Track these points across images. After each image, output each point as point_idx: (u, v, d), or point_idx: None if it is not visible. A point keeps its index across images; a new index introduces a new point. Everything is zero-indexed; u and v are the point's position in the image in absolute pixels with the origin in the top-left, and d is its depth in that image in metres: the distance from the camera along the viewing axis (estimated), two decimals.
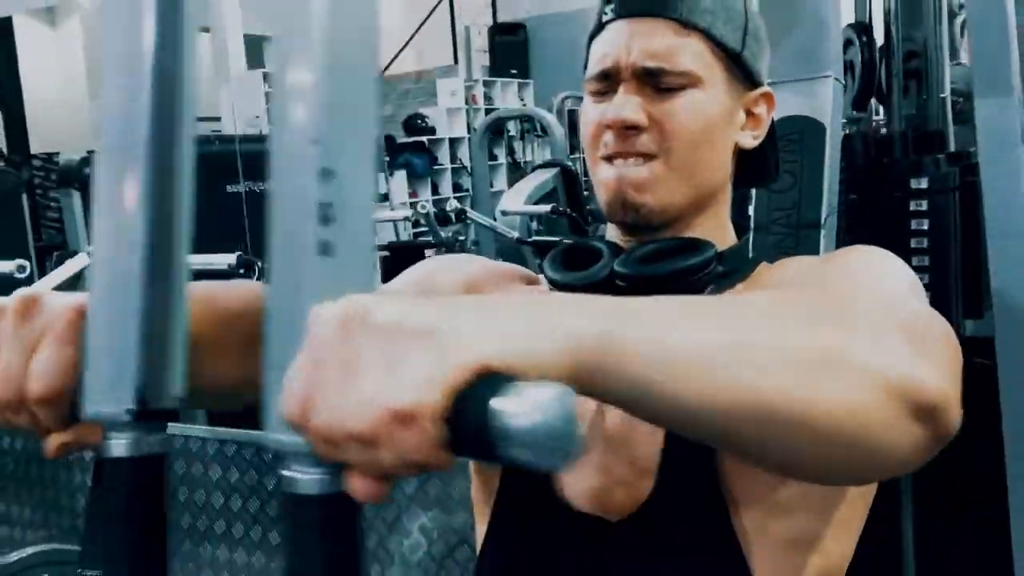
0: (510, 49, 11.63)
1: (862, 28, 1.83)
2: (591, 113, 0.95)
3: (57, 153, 10.72)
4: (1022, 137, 1.55)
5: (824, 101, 1.36)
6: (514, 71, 11.65)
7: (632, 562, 0.88)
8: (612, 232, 0.99)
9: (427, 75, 11.51)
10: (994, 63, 1.51)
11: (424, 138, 10.45)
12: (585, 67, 0.96)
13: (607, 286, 0.92)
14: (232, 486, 2.65)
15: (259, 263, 1.89)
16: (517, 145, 10.69)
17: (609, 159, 0.93)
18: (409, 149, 10.22)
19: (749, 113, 0.97)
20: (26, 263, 2.26)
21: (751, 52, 0.95)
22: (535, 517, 0.93)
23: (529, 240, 3.92)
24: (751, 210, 1.37)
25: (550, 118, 6.59)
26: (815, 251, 1.32)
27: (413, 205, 9.21)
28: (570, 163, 5.63)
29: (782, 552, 0.87)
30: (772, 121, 0.99)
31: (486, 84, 11.17)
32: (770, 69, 1.55)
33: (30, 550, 2.37)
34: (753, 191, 1.38)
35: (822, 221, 1.30)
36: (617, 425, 0.91)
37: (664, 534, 0.87)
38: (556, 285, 0.96)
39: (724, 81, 0.94)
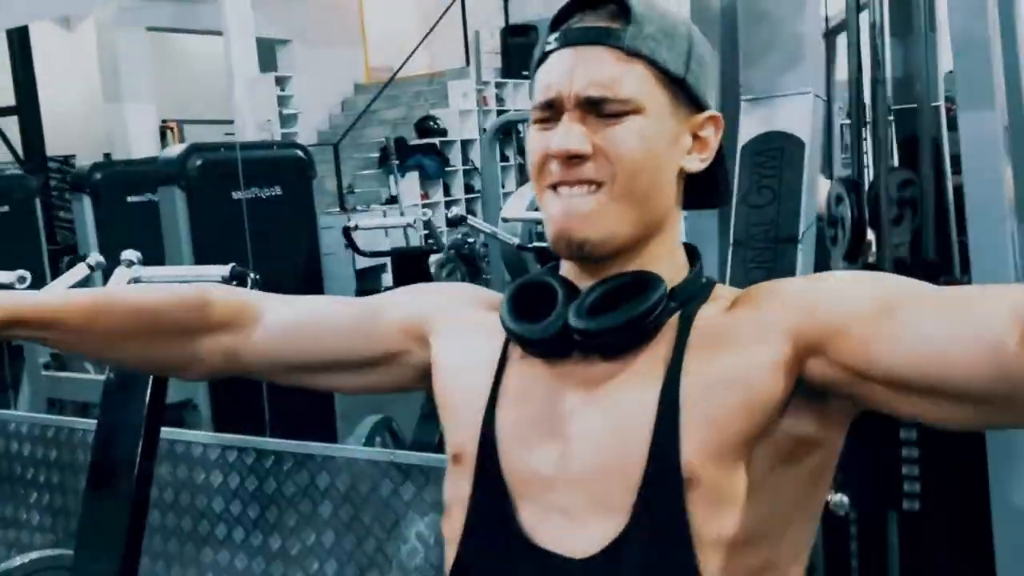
0: (522, 51, 11.63)
1: (852, 184, 1.81)
2: (536, 142, 0.95)
3: (73, 156, 10.84)
4: (1005, 148, 1.55)
5: (803, 117, 1.36)
6: (525, 72, 11.59)
7: None
8: (565, 265, 1.00)
9: (439, 77, 11.54)
10: (977, 75, 1.51)
11: (436, 140, 10.48)
12: (532, 95, 0.97)
13: (564, 338, 0.93)
14: (233, 492, 2.68)
15: (253, 274, 1.91)
16: None
17: (554, 187, 0.94)
18: (421, 151, 10.26)
19: (696, 137, 0.97)
20: (27, 274, 2.29)
21: (695, 77, 0.96)
22: (499, 553, 0.95)
23: (530, 246, 3.91)
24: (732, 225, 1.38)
25: None
26: (792, 265, 1.32)
27: (426, 207, 9.24)
28: None
29: None
30: (721, 143, 0.99)
31: (498, 86, 11.19)
32: (750, 85, 1.56)
33: (34, 555, 2.40)
34: (733, 207, 1.39)
35: (800, 236, 1.31)
36: (588, 465, 0.92)
37: (630, 574, 0.89)
38: (513, 336, 0.97)
39: (668, 106, 0.94)
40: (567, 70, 0.92)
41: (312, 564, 2.55)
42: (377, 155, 10.39)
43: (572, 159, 0.92)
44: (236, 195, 3.53)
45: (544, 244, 4.33)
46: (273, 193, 3.80)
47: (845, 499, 1.61)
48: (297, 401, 3.66)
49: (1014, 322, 0.77)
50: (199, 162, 3.61)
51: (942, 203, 2.01)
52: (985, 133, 1.52)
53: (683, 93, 0.95)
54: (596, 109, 0.91)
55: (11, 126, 9.42)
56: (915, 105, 1.98)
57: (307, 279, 3.98)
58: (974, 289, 0.88)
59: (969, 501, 1.61)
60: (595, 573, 0.89)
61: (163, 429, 2.96)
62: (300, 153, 4.21)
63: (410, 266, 4.12)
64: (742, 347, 0.91)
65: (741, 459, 0.89)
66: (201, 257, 3.47)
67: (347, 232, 4.22)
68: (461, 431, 0.99)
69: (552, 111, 0.94)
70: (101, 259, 2.12)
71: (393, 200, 8.85)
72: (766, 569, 0.91)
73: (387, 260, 5.96)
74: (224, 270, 1.81)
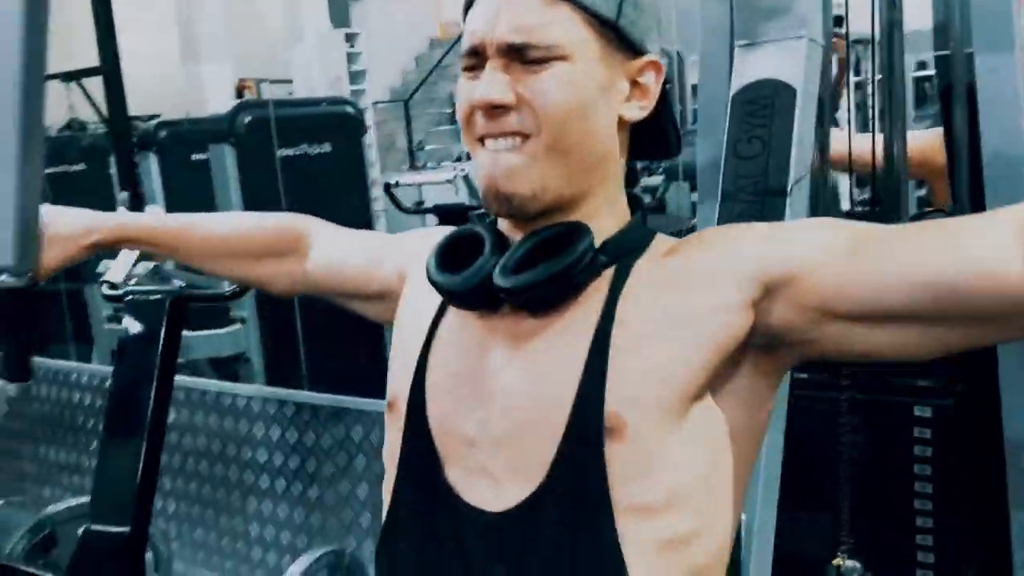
0: None
1: None
2: (462, 92, 0.92)
3: (158, 115, 11.10)
4: None
5: (796, 63, 1.29)
6: None
7: (509, 555, 0.88)
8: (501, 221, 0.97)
9: None
10: (995, 18, 1.43)
11: None
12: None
13: (493, 293, 0.91)
14: (275, 443, 2.74)
15: None
16: None
17: (481, 140, 0.91)
18: None
19: (635, 84, 0.92)
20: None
21: (630, 20, 0.90)
22: (427, 509, 0.94)
23: None
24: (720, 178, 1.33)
25: None
26: (781, 220, 1.27)
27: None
28: None
29: (656, 553, 0.86)
30: (665, 89, 0.94)
31: None
32: (742, 31, 1.50)
33: (73, 501, 2.50)
34: (722, 158, 1.34)
35: (788, 189, 1.25)
36: (509, 426, 0.91)
37: (545, 530, 0.87)
38: (435, 288, 0.95)
39: (599, 51, 0.89)
40: (492, 16, 0.89)
41: (348, 515, 2.60)
42: (450, 111, 10.39)
43: (496, 109, 0.88)
44: (285, 152, 3.57)
45: None
46: (322, 150, 3.83)
47: (858, 565, 1.57)
48: (352, 355, 3.73)
49: (1016, 235, 0.75)
50: (248, 119, 3.65)
51: (977, 162, 1.90)
52: (1003, 78, 1.44)
53: (617, 37, 0.90)
54: (520, 56, 0.87)
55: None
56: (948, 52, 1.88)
57: None
58: (951, 219, 0.84)
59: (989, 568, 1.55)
60: (513, 527, 0.88)
61: (210, 382, 3.05)
62: (350, 109, 4.23)
63: (456, 222, 4.12)
64: (694, 292, 0.87)
65: (678, 415, 0.86)
66: (251, 211, 3.54)
67: (388, 188, 4.25)
68: (397, 379, 0.99)
69: (478, 59, 0.90)
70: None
71: (459, 159, 8.84)
72: (692, 538, 0.87)
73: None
74: None
